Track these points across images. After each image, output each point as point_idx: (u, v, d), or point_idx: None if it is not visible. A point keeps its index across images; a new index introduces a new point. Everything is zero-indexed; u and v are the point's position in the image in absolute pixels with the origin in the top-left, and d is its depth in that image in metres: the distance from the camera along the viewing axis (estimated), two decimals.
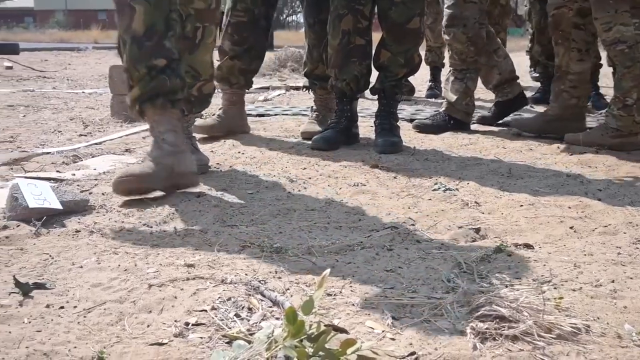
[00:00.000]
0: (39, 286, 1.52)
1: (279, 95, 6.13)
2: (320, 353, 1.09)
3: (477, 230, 1.93)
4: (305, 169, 2.80)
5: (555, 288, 1.51)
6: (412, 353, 1.21)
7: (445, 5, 3.86)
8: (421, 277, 1.59)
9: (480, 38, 3.84)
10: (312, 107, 3.85)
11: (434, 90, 5.93)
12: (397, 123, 3.44)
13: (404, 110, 4.67)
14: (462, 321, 1.32)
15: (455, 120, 3.90)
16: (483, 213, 2.13)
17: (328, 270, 1.18)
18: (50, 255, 1.73)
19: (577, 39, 3.51)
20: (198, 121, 3.42)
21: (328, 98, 3.73)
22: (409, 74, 3.44)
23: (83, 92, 6.10)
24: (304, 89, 3.88)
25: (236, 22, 3.53)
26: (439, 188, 2.44)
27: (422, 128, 3.87)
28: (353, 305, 1.42)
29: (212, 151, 3.17)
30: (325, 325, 1.18)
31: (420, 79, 7.05)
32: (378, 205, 2.22)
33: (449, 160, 3.03)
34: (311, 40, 3.60)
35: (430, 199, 2.29)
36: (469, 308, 1.36)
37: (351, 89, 3.37)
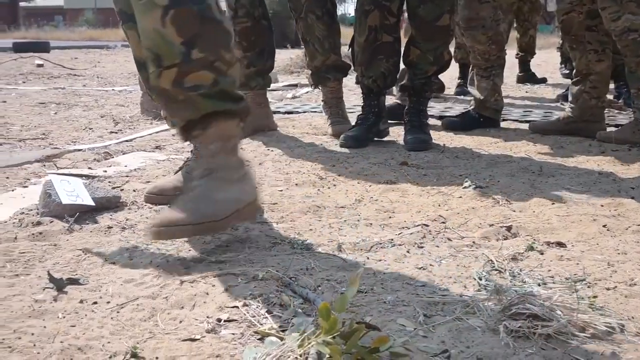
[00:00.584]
0: (73, 282, 1.54)
1: (307, 92, 6.13)
2: (353, 350, 1.09)
3: (509, 228, 1.92)
4: (334, 166, 2.80)
5: (588, 287, 1.50)
6: (445, 351, 1.21)
7: (459, 7, 3.78)
8: (452, 275, 1.58)
9: (499, 35, 3.84)
10: (323, 102, 3.82)
11: (463, 87, 5.90)
12: (427, 120, 3.42)
13: (433, 107, 4.65)
14: (495, 319, 1.31)
15: (485, 117, 3.88)
16: (514, 211, 2.11)
17: (361, 269, 1.17)
18: (83, 251, 1.75)
19: (592, 40, 3.44)
20: None
21: (339, 87, 3.76)
22: (438, 71, 3.40)
23: (113, 89, 6.15)
24: (312, 86, 3.84)
25: (241, 29, 3.54)
26: (469, 186, 2.43)
27: (451, 126, 3.85)
28: (384, 302, 1.42)
29: (240, 149, 3.17)
30: (357, 323, 1.18)
31: (449, 77, 7.02)
32: (408, 203, 2.21)
33: (479, 157, 3.01)
34: (321, 32, 3.55)
35: (460, 197, 2.28)
36: (501, 306, 1.35)
37: (378, 86, 3.35)
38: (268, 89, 3.76)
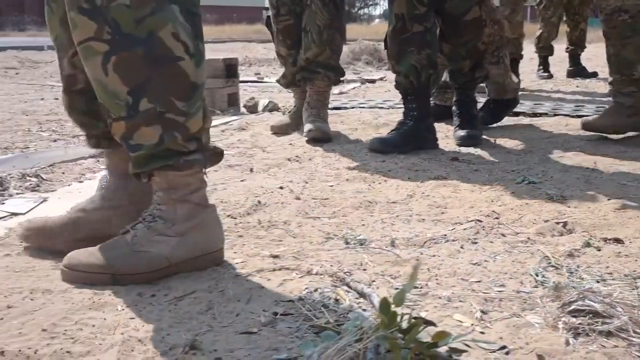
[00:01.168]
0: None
1: (354, 88, 6.13)
2: (411, 345, 1.09)
3: (564, 225, 1.89)
4: (384, 161, 2.80)
5: None
6: (503, 347, 1.20)
7: None
8: (508, 271, 1.57)
9: (496, 14, 3.68)
10: (307, 102, 3.45)
11: None
12: (477, 112, 3.33)
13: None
14: (554, 316, 1.29)
15: (506, 100, 3.78)
16: (569, 207, 2.09)
17: (419, 262, 1.17)
18: None
19: None
20: (273, 120, 3.46)
21: (327, 90, 3.48)
22: (476, 65, 3.27)
23: None
24: (298, 82, 3.56)
25: (283, 27, 3.47)
26: (523, 181, 2.40)
27: (482, 122, 3.56)
28: (440, 298, 1.41)
29: (290, 144, 3.20)
30: (413, 318, 1.18)
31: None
32: (460, 199, 2.20)
33: (531, 153, 2.97)
34: (324, 20, 3.29)
35: (513, 192, 2.26)
36: (560, 303, 1.33)
37: (411, 83, 3.03)
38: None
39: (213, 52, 12.42)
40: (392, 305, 1.06)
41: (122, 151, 1.62)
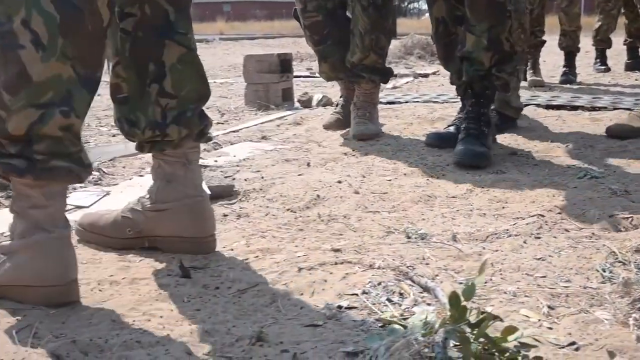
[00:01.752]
0: (194, 267, 1.58)
1: (407, 82, 6.10)
2: (480, 339, 1.08)
3: (630, 220, 1.85)
4: (441, 155, 2.77)
5: None
6: (572, 343, 1.18)
7: None
8: (574, 267, 1.54)
9: (525, 18, 3.54)
10: (353, 103, 3.33)
11: (569, 75, 5.72)
12: (490, 128, 2.78)
13: (539, 96, 4.54)
14: (624, 312, 1.27)
15: (505, 117, 3.37)
16: (634, 202, 2.04)
17: (488, 256, 1.16)
18: None
19: None
20: (325, 119, 3.38)
21: (375, 91, 3.36)
22: (499, 62, 2.78)
23: (214, 82, 6.28)
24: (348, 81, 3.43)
25: (311, 23, 3.29)
26: (585, 176, 2.36)
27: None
28: (505, 293, 1.40)
29: (346, 138, 3.19)
30: (481, 312, 1.17)
31: (552, 64, 6.85)
32: (521, 193, 2.17)
33: (592, 147, 2.92)
34: (364, 25, 3.14)
35: (575, 187, 2.22)
36: (630, 299, 1.31)
37: (464, 83, 2.87)
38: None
39: (264, 48, 12.50)
40: (462, 300, 1.05)
41: (164, 155, 1.64)
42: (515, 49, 2.89)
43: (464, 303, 1.05)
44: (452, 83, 3.11)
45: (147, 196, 1.68)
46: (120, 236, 1.71)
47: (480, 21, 2.74)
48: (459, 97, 3.05)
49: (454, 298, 1.04)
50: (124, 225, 1.70)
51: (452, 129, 3.00)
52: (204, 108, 1.68)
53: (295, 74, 5.17)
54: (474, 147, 2.62)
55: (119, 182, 2.41)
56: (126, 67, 1.58)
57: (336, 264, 1.58)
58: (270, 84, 4.42)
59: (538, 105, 4.12)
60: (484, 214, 1.97)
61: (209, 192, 2.06)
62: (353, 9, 3.20)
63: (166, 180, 1.65)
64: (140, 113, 1.60)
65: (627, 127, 3.09)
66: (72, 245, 1.41)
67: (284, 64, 4.47)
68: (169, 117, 1.59)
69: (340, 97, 3.58)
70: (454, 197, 2.14)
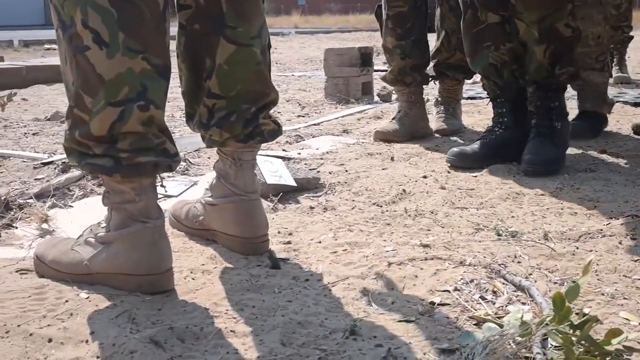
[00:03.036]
0: (283, 259, 1.59)
1: None
2: (582, 342, 1.05)
3: None
4: None
5: None
6: None
7: None
8: None
9: (607, 9, 3.13)
10: (437, 99, 3.35)
11: None
12: (564, 122, 2.47)
13: (626, 93, 4.41)
14: None
15: (599, 115, 3.14)
16: None
17: (593, 256, 1.13)
18: (289, 231, 1.80)
19: None
20: (378, 126, 3.20)
21: (458, 88, 3.31)
22: (557, 57, 2.42)
23: (293, 74, 6.31)
24: (432, 79, 3.25)
25: (395, 13, 3.07)
26: None
27: (577, 132, 2.92)
28: (603, 294, 1.36)
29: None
30: (576, 314, 1.14)
31: (638, 60, 6.64)
32: (613, 192, 2.10)
33: None
34: (451, 25, 3.10)
35: None
36: None
37: (495, 84, 2.55)
38: (425, 86, 3.22)
39: (340, 42, 12.50)
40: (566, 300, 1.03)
41: (219, 151, 1.63)
42: (580, 32, 2.49)
43: (567, 304, 1.03)
44: (483, 84, 2.68)
45: (208, 188, 1.70)
46: (191, 226, 1.74)
47: (529, 9, 2.39)
48: (490, 100, 2.66)
49: (558, 298, 1.02)
50: (194, 215, 1.72)
51: (477, 146, 2.52)
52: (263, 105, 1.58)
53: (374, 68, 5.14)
54: (544, 151, 2.35)
55: (205, 172, 2.44)
56: (183, 60, 1.57)
57: (426, 259, 1.57)
58: (351, 78, 4.41)
59: (625, 102, 4.00)
60: (575, 212, 1.92)
61: (295, 184, 2.08)
62: (440, 7, 3.15)
63: (219, 175, 1.65)
64: (196, 107, 1.58)
65: None
66: (166, 234, 1.43)
67: (365, 57, 4.45)
68: (215, 118, 1.54)
69: (399, 111, 3.20)
70: (542, 194, 2.09)
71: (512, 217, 1.88)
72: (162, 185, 1.47)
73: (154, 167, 1.36)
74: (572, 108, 3.19)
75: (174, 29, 1.37)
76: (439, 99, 3.30)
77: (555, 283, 1.43)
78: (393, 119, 3.17)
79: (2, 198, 1.92)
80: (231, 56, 1.51)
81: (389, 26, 3.11)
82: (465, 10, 2.55)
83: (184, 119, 1.68)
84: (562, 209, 1.95)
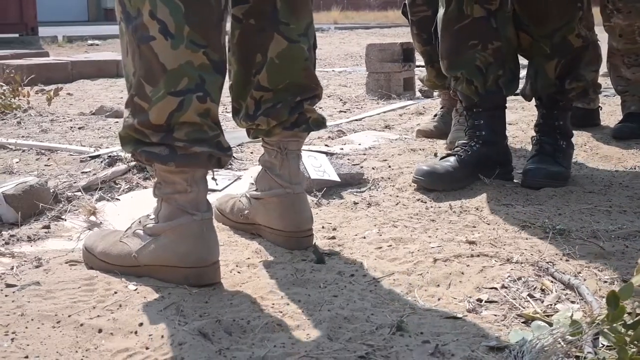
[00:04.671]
0: (328, 254, 1.59)
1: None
2: (636, 342, 1.03)
3: None
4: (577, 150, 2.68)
5: None
6: None
7: None
8: None
9: None
10: (455, 108, 2.89)
11: None
12: (568, 142, 2.25)
13: None
14: None
15: None
16: None
17: None
18: (333, 226, 1.80)
19: None
20: (421, 123, 3.12)
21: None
22: (567, 71, 2.18)
23: (333, 70, 6.30)
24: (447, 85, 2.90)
25: (420, 18, 2.87)
26: None
27: (624, 133, 2.89)
28: None
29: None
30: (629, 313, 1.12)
31: None
32: None
33: None
34: None
35: None
36: None
37: (475, 91, 2.20)
38: None
39: (380, 37, 12.45)
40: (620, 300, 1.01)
41: (264, 142, 1.64)
42: (591, 39, 2.26)
43: (621, 303, 1.01)
44: (455, 90, 2.31)
45: (254, 182, 1.70)
46: (236, 220, 1.75)
47: (538, 22, 2.16)
48: (464, 110, 2.31)
49: (612, 297, 1.00)
50: (239, 209, 1.73)
51: (452, 160, 2.17)
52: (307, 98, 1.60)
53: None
54: (547, 165, 2.12)
55: (248, 167, 2.45)
56: (233, 54, 1.59)
57: (472, 256, 1.56)
58: (392, 73, 4.39)
59: None
60: (625, 211, 1.88)
61: (338, 179, 2.07)
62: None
63: (264, 168, 1.65)
64: (242, 102, 1.60)
65: None
66: (214, 228, 1.44)
67: (407, 53, 4.43)
68: (262, 109, 1.56)
69: (441, 107, 3.13)
70: (591, 192, 2.06)
71: (560, 214, 1.86)
72: (213, 178, 1.48)
73: (208, 158, 1.38)
74: (610, 111, 3.14)
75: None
76: (459, 108, 2.81)
77: (605, 282, 1.41)
78: (435, 115, 3.11)
79: (51, 191, 1.94)
80: (283, 51, 1.53)
81: (414, 32, 2.94)
82: (449, 2, 2.18)
83: (224, 115, 1.69)
84: (610, 207, 1.92)
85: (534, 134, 2.28)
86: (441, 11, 2.21)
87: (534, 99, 2.29)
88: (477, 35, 2.15)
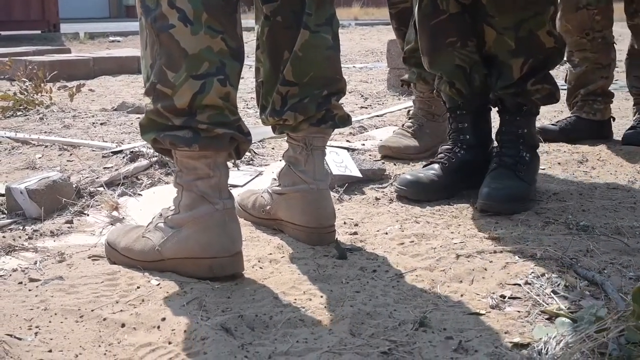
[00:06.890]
0: (350, 249, 1.59)
1: None
2: None
3: None
4: (595, 146, 2.66)
5: None
6: None
7: None
8: None
9: None
10: (408, 110, 2.79)
11: None
12: (533, 153, 1.99)
13: None
14: None
15: None
16: None
17: None
18: (355, 222, 1.79)
19: None
20: None
21: (431, 99, 2.58)
22: (536, 69, 1.95)
23: (354, 66, 6.29)
24: (403, 85, 2.85)
25: (398, 11, 2.65)
26: None
27: (634, 139, 2.67)
28: None
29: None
30: None
31: None
32: None
33: None
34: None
35: None
36: None
37: (459, 92, 2.05)
38: None
39: None
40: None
41: (289, 138, 1.64)
42: (564, 43, 2.05)
43: None
44: (438, 90, 2.14)
45: (276, 178, 1.70)
46: (258, 215, 1.75)
47: (502, 11, 1.93)
48: (447, 113, 2.15)
49: (638, 294, 0.99)
50: (261, 205, 1.73)
51: (436, 168, 2.03)
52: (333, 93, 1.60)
53: None
54: (505, 184, 1.87)
55: (269, 163, 2.45)
56: (263, 51, 1.60)
57: (495, 252, 1.55)
58: None
59: None
60: None
61: (360, 175, 2.07)
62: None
63: (288, 163, 1.65)
64: (270, 98, 1.61)
65: None
66: (237, 217, 1.44)
67: None
68: (288, 104, 1.57)
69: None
70: (615, 188, 2.04)
71: (583, 211, 1.84)
72: (234, 164, 1.48)
73: (231, 140, 1.39)
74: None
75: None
76: (411, 109, 2.71)
77: (630, 279, 1.39)
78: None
79: (74, 186, 1.96)
80: (305, 42, 1.54)
81: (394, 26, 2.71)
82: None
83: (245, 111, 1.70)
84: (634, 203, 1.90)
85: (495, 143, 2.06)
86: (415, 6, 2.05)
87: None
88: (455, 31, 1.99)
